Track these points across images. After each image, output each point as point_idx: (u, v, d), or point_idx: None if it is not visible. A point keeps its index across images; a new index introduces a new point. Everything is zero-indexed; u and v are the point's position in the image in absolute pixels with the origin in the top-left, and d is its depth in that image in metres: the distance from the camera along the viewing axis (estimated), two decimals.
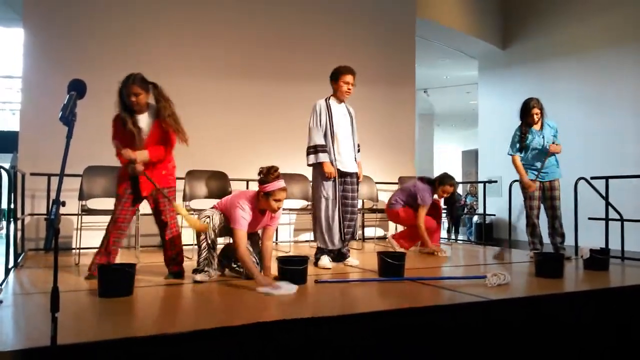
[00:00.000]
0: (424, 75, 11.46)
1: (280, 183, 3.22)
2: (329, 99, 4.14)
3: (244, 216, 3.20)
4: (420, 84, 12.05)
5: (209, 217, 3.30)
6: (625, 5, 7.74)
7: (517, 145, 4.77)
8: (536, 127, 4.76)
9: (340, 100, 4.14)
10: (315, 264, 4.00)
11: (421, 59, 9.08)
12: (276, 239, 5.93)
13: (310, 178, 5.66)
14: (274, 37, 6.24)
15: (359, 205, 6.08)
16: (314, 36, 6.47)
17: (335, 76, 4.07)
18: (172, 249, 3.45)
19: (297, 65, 6.29)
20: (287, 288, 2.92)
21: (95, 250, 3.45)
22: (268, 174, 3.22)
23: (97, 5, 5.43)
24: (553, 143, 4.70)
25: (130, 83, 3.24)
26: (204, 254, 3.26)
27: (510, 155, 4.80)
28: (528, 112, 4.73)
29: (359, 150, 4.31)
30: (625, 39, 7.70)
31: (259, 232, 3.55)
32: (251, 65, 6.09)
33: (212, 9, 5.94)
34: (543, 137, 4.72)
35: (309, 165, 4.10)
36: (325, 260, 3.98)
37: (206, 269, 3.25)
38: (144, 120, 3.34)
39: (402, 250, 4.81)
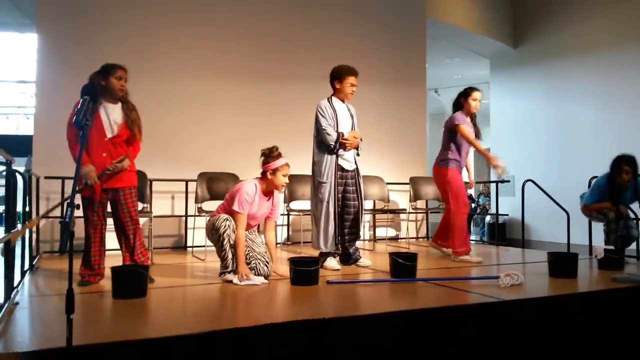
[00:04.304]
0: (435, 75, 11.42)
1: (284, 160, 3.46)
2: (331, 99, 4.07)
3: (246, 199, 3.34)
4: (431, 84, 12.01)
5: (227, 219, 3.33)
6: (636, 1, 7.64)
7: (596, 198, 4.58)
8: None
9: (342, 100, 4.09)
10: (321, 265, 3.80)
11: (432, 59, 9.05)
12: (287, 240, 5.95)
13: None
14: (283, 38, 6.25)
15: (370, 206, 6.10)
16: (323, 37, 6.47)
17: (340, 77, 3.99)
18: (141, 249, 3.34)
19: (307, 66, 6.29)
20: (259, 280, 3.22)
21: (105, 251, 3.34)
22: (270, 154, 3.45)
23: (110, 10, 5.47)
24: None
25: (118, 67, 3.20)
26: (230, 255, 3.32)
27: (587, 204, 4.62)
28: (619, 169, 4.50)
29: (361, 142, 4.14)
30: (637, 36, 7.61)
31: (257, 236, 3.60)
32: (260, 67, 6.10)
33: (222, 12, 5.97)
34: (628, 196, 4.58)
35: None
36: (332, 262, 3.92)
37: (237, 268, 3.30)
38: (116, 111, 3.25)
39: (448, 252, 4.57)
